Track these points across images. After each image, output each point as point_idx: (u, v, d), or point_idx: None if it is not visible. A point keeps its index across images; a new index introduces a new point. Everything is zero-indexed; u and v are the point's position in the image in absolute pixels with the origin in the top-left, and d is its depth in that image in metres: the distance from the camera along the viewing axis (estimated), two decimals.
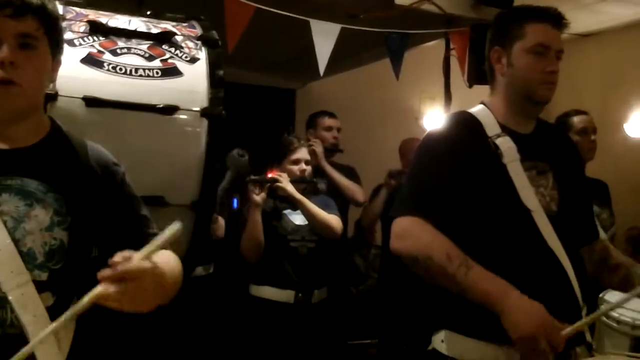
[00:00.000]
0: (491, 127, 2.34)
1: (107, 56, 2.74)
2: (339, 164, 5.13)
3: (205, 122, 2.86)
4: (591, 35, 7.65)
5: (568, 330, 2.02)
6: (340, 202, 4.60)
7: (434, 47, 5.61)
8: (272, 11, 4.15)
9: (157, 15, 3.14)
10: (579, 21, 6.92)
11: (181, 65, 2.87)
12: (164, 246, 1.63)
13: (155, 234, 1.94)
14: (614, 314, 2.89)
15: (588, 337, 2.29)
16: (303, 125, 5.49)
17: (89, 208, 1.83)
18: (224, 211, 4.71)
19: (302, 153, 4.19)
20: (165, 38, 2.91)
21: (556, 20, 2.33)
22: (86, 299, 1.54)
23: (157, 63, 2.82)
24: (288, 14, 4.23)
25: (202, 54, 2.96)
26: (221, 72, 2.95)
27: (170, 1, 3.71)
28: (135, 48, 2.83)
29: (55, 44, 1.84)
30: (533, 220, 2.22)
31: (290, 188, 3.99)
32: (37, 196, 1.74)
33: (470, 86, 4.88)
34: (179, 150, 2.86)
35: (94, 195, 1.85)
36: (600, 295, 2.92)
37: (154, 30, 2.94)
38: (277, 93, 7.57)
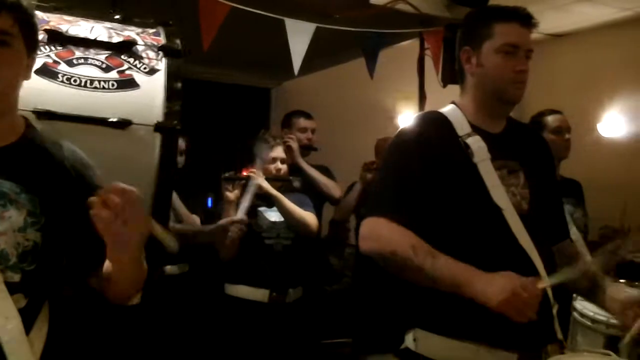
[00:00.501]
0: (461, 126, 2.35)
1: (63, 67, 2.67)
2: (313, 165, 5.13)
3: (158, 137, 2.76)
4: (565, 35, 7.71)
5: (543, 283, 2.05)
6: (315, 200, 4.59)
7: (409, 47, 5.62)
8: (247, 10, 4.14)
9: (125, 20, 3.07)
10: (553, 22, 6.99)
11: (139, 76, 2.79)
12: None
13: None
14: (589, 312, 2.91)
15: (559, 334, 2.30)
16: (278, 124, 5.48)
17: (63, 209, 1.82)
18: (199, 210, 4.70)
19: (278, 151, 4.19)
20: (125, 47, 2.84)
21: (525, 19, 2.34)
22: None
23: (113, 74, 2.74)
24: (263, 12, 4.22)
25: (162, 65, 2.87)
26: (179, 85, 2.84)
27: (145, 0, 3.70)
28: (92, 58, 2.75)
29: (31, 41, 1.82)
30: (504, 219, 2.23)
31: (266, 184, 3.99)
32: (11, 197, 1.73)
33: (445, 86, 4.89)
34: (131, 165, 2.77)
35: (68, 196, 1.84)
36: (574, 295, 2.94)
37: (115, 39, 2.86)
38: (252, 92, 7.56)
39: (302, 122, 5.21)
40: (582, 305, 2.97)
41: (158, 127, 2.74)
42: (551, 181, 2.54)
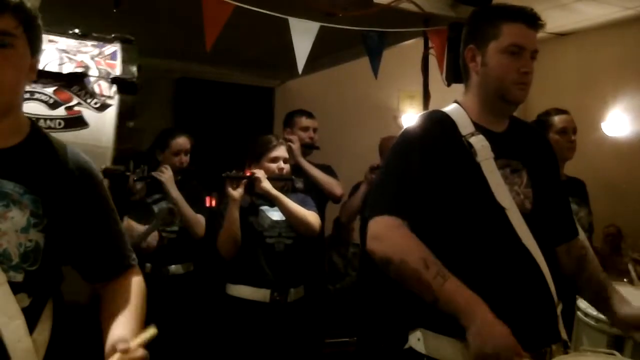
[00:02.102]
0: (465, 125, 2.34)
1: None
2: (315, 163, 5.13)
3: (105, 182, 2.52)
4: (568, 34, 7.71)
5: None
6: (318, 199, 4.59)
7: (413, 46, 5.62)
8: (251, 9, 4.13)
9: (84, 36, 2.87)
10: (557, 21, 6.99)
11: (88, 113, 2.61)
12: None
13: (129, 250, 2.00)
14: (592, 312, 2.90)
15: (563, 334, 2.30)
16: (282, 124, 5.48)
17: (66, 211, 1.83)
18: (203, 210, 4.71)
19: (281, 151, 4.19)
20: (75, 79, 2.65)
21: (531, 20, 2.32)
22: None
23: (61, 111, 2.56)
24: (266, 12, 4.22)
25: (114, 101, 2.69)
26: (131, 124, 2.67)
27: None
28: (39, 92, 2.57)
29: (34, 43, 1.82)
30: (507, 218, 2.23)
31: (267, 184, 3.99)
32: (14, 197, 1.73)
33: (449, 85, 4.89)
34: None
35: (71, 198, 1.84)
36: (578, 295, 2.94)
37: (67, 65, 2.67)
38: (255, 91, 7.56)
39: (304, 121, 5.21)
40: (586, 305, 2.96)
41: (106, 173, 2.57)
42: (555, 180, 2.53)
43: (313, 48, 4.47)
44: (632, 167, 6.94)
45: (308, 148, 5.15)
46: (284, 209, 4.01)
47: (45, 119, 2.54)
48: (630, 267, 3.55)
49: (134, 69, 2.79)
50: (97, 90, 2.67)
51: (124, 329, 1.80)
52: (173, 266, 4.60)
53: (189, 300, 4.63)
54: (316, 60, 5.02)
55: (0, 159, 1.77)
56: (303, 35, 4.46)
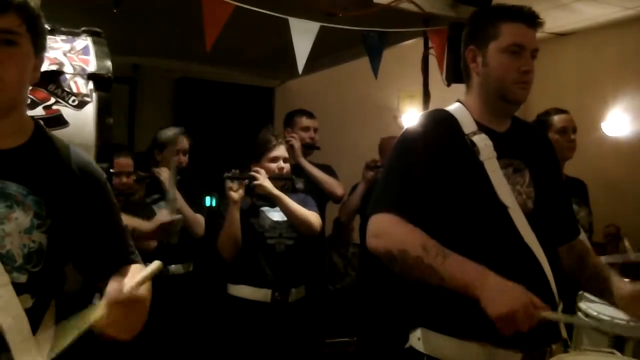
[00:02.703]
0: (467, 124, 2.35)
1: None
2: (315, 163, 5.13)
3: None
4: (568, 34, 7.71)
5: (547, 314, 2.01)
6: (318, 199, 4.59)
7: (413, 46, 5.62)
8: (251, 9, 4.14)
9: (53, 31, 2.77)
10: (557, 20, 6.98)
11: (67, 112, 2.54)
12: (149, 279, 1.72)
13: (132, 248, 2.00)
14: (593, 312, 2.90)
15: (564, 333, 2.30)
16: (282, 124, 5.48)
17: (69, 212, 1.82)
18: (202, 210, 4.71)
19: (281, 151, 4.19)
20: (51, 77, 2.56)
21: (531, 19, 2.33)
22: (89, 320, 1.59)
23: (39, 111, 2.49)
24: (267, 12, 4.22)
25: (92, 97, 2.63)
26: (111, 120, 2.62)
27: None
28: None
29: (38, 42, 1.82)
30: (509, 217, 2.24)
31: (268, 184, 3.99)
32: (17, 199, 1.73)
33: (449, 85, 4.89)
34: None
35: (74, 199, 1.84)
36: (580, 292, 2.94)
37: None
38: (255, 91, 7.56)
39: (305, 121, 5.21)
40: (587, 306, 2.97)
41: None
42: (557, 180, 2.54)
43: (313, 48, 4.47)
44: (632, 167, 6.94)
45: (308, 148, 5.15)
46: (285, 209, 4.01)
47: None
48: (627, 243, 3.55)
49: (109, 63, 2.72)
50: (73, 87, 2.61)
51: (125, 276, 1.85)
52: (173, 266, 4.60)
53: (189, 300, 4.63)
54: (316, 60, 5.02)
55: (4, 160, 1.76)
56: (303, 35, 4.46)
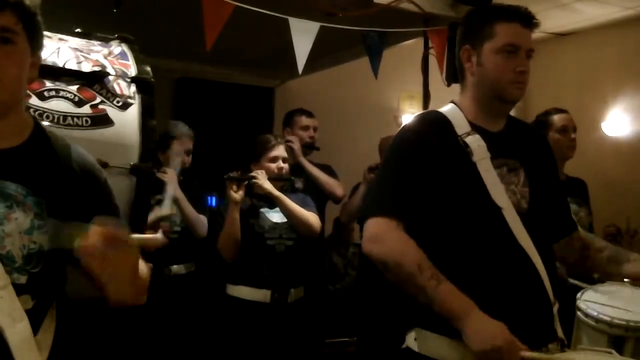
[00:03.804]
0: (461, 125, 2.35)
1: (34, 101, 2.49)
2: (315, 163, 5.12)
3: (133, 179, 2.66)
4: (568, 34, 7.71)
5: (528, 354, 2.05)
6: (318, 199, 4.59)
7: (413, 46, 5.62)
8: (251, 9, 4.14)
9: (86, 35, 2.91)
10: (557, 21, 6.99)
11: (112, 112, 2.62)
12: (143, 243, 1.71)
13: None
14: (593, 312, 2.90)
15: (560, 333, 2.30)
16: (281, 124, 5.48)
17: (70, 212, 1.81)
18: (205, 210, 4.71)
19: (280, 151, 4.18)
20: (95, 78, 2.65)
21: (526, 19, 2.33)
22: (77, 238, 1.55)
23: (86, 109, 2.57)
24: (266, 12, 4.22)
25: (135, 100, 2.72)
26: (154, 122, 2.71)
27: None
28: (64, 90, 2.57)
29: (35, 40, 1.81)
30: (503, 218, 2.24)
31: (268, 185, 3.99)
32: (17, 199, 1.72)
33: (449, 85, 4.89)
34: None
35: (75, 199, 1.83)
36: (578, 295, 2.94)
37: (84, 64, 2.68)
38: (255, 91, 7.56)
39: (304, 120, 5.19)
40: (587, 305, 2.96)
41: (133, 170, 2.64)
42: (553, 179, 2.54)
43: (313, 48, 4.47)
44: (632, 167, 6.94)
45: (308, 148, 5.14)
46: (284, 210, 4.02)
47: (72, 117, 2.55)
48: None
49: (148, 68, 2.81)
50: (117, 89, 2.69)
51: None
52: (175, 266, 4.60)
53: (191, 301, 4.63)
54: (316, 60, 5.03)
55: (3, 160, 1.75)
56: (303, 35, 4.47)
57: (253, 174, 4.02)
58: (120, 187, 2.59)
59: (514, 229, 2.24)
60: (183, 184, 4.60)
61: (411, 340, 2.33)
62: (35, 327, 1.72)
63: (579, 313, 3.08)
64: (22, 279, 1.70)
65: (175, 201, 4.47)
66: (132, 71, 2.79)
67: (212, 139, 6.39)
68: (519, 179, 2.34)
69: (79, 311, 1.65)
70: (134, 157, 2.64)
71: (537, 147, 2.52)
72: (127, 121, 2.65)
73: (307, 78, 6.55)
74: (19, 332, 1.64)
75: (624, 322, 2.58)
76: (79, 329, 2.20)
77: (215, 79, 7.28)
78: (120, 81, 2.72)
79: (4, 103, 1.74)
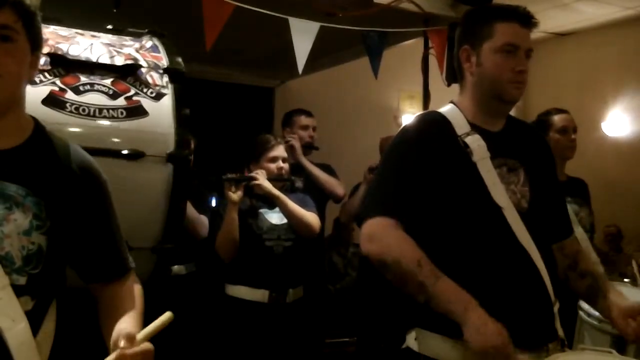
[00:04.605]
0: (460, 125, 2.34)
1: (70, 95, 2.58)
2: (315, 163, 5.12)
3: (170, 167, 2.73)
4: (568, 34, 7.72)
5: (523, 357, 2.05)
6: (318, 199, 4.58)
7: (413, 46, 5.62)
8: (251, 9, 4.14)
9: (117, 31, 2.99)
10: (557, 21, 6.99)
11: (146, 102, 2.73)
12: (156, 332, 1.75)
13: (126, 253, 1.97)
14: (595, 312, 2.90)
15: (560, 332, 2.30)
16: (281, 124, 5.47)
17: (69, 213, 1.81)
18: (206, 210, 4.70)
19: (279, 151, 4.18)
20: (128, 71, 2.76)
21: (525, 19, 2.32)
22: None
23: (121, 101, 2.67)
24: (267, 12, 4.22)
25: (168, 90, 2.82)
26: (187, 111, 2.80)
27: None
28: (98, 84, 2.67)
29: (34, 38, 1.80)
30: (504, 217, 2.23)
31: (268, 185, 3.98)
32: (17, 200, 1.71)
33: (449, 85, 4.90)
34: (143, 197, 2.74)
35: (74, 199, 1.83)
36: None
37: (117, 58, 2.77)
38: (255, 91, 7.57)
39: (304, 119, 5.18)
40: (589, 305, 2.97)
41: (170, 158, 2.72)
42: (552, 179, 2.53)
43: (313, 48, 4.47)
44: (632, 167, 6.95)
45: (307, 148, 5.13)
46: (284, 209, 4.01)
47: (108, 109, 2.64)
48: (635, 270, 3.54)
49: (180, 59, 2.93)
50: (150, 80, 2.78)
51: (130, 324, 1.80)
52: (175, 266, 4.59)
53: (191, 301, 4.62)
54: (316, 60, 5.03)
55: (2, 161, 1.74)
56: (303, 35, 4.47)
57: (253, 174, 4.01)
58: (157, 177, 2.73)
59: (515, 229, 2.23)
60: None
61: (411, 340, 2.32)
62: (35, 329, 1.71)
63: (581, 312, 3.09)
64: (22, 280, 1.70)
65: None
66: (164, 63, 2.90)
67: (212, 139, 6.39)
68: (519, 179, 2.34)
69: (79, 311, 1.64)
70: (170, 146, 2.73)
71: (537, 147, 2.52)
72: (162, 111, 2.76)
73: (307, 78, 6.56)
74: (18, 333, 1.64)
75: (619, 331, 2.58)
76: (79, 329, 2.19)
77: (215, 79, 7.29)
78: (153, 73, 2.83)
79: (4, 101, 1.74)
